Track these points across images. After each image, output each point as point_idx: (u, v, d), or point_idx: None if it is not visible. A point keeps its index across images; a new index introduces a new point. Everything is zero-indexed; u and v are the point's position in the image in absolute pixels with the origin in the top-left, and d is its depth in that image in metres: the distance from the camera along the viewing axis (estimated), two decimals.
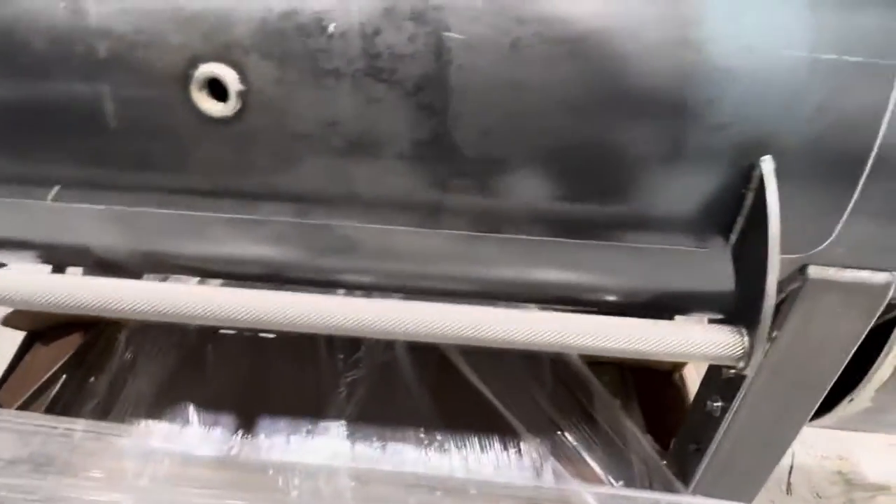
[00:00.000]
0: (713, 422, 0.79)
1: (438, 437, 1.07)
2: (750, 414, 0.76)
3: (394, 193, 0.58)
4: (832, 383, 0.71)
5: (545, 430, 1.05)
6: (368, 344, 1.14)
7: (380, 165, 0.56)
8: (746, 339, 0.54)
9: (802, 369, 0.70)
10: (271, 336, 1.18)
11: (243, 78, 0.53)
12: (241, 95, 0.54)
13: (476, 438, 1.06)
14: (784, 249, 0.60)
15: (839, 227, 0.57)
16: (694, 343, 0.55)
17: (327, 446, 1.06)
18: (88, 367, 1.14)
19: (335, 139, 0.55)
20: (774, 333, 0.68)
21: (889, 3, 0.50)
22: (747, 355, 0.54)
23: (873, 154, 0.53)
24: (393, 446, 1.06)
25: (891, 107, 0.51)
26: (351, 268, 0.64)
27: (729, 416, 0.77)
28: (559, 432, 1.04)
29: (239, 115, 0.54)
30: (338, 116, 0.54)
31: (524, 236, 0.59)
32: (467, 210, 0.58)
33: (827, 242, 0.59)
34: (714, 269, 0.61)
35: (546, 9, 0.51)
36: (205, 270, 0.70)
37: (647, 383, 1.15)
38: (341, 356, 1.13)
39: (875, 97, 0.51)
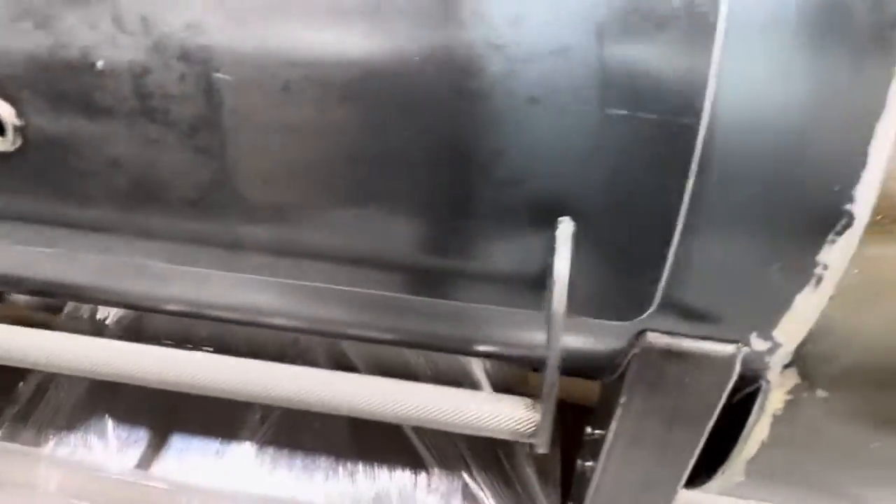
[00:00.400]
0: (585, 481, 0.75)
1: (349, 465, 1.04)
2: (616, 477, 0.70)
3: (188, 236, 0.56)
4: (697, 451, 0.66)
5: (455, 468, 1.01)
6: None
7: (169, 208, 0.54)
8: (538, 414, 0.50)
9: (661, 437, 0.64)
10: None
11: (20, 113, 0.51)
12: (20, 130, 0.52)
13: (385, 468, 1.03)
14: (612, 314, 0.55)
15: (660, 292, 0.52)
16: (482, 416, 0.50)
17: (238, 468, 1.04)
18: (15, 372, 1.15)
19: (120, 179, 0.53)
20: (623, 399, 0.63)
21: (680, 61, 0.44)
22: (538, 432, 0.50)
23: (681, 214, 0.48)
24: (303, 472, 1.04)
25: (693, 167, 0.46)
26: (155, 301, 0.62)
27: (596, 477, 0.72)
28: (468, 472, 1.00)
29: (21, 150, 0.53)
30: (119, 156, 0.52)
31: (322, 284, 0.56)
32: (264, 254, 0.55)
33: (653, 308, 0.53)
34: (530, 332, 0.57)
35: (316, 51, 0.47)
36: (39, 292, 0.69)
37: (580, 423, 1.09)
38: None
39: (675, 156, 0.46)
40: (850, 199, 0.46)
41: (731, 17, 0.44)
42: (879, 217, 0.55)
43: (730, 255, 0.50)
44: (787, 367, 0.59)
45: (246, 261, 0.57)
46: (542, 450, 0.52)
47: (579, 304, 0.55)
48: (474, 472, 1.02)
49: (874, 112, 0.44)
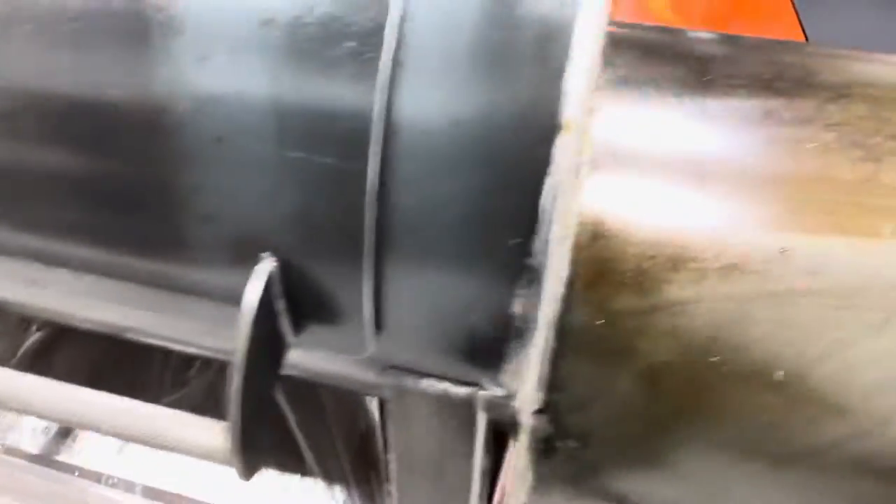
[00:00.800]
0: None
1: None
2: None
3: None
4: (475, 488, 0.65)
5: (337, 482, 1.02)
6: (200, 365, 1.15)
7: None
8: (227, 436, 0.51)
9: (435, 474, 0.64)
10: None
11: None
12: None
13: (273, 473, 1.05)
14: (341, 349, 0.56)
15: (371, 330, 0.52)
16: (174, 434, 0.52)
17: (139, 461, 1.09)
18: None
19: None
20: (391, 430, 0.63)
21: (345, 105, 0.44)
22: (232, 454, 0.51)
23: (367, 257, 0.48)
24: (197, 468, 1.08)
25: (368, 213, 0.46)
26: None
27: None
28: (346, 487, 1.01)
29: None
30: None
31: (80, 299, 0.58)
32: (30, 263, 0.58)
33: (374, 347, 0.53)
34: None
35: (29, 82, 0.49)
36: None
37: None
38: (170, 374, 1.16)
39: (349, 200, 0.46)
40: (530, 254, 0.45)
41: (398, 62, 0.44)
42: (627, 272, 0.54)
43: (431, 300, 0.49)
44: (537, 413, 0.58)
45: (22, 272, 0.60)
46: (242, 478, 0.53)
47: (315, 338, 0.56)
48: (351, 487, 1.03)
49: (541, 167, 0.43)
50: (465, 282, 0.47)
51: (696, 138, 0.56)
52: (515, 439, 0.61)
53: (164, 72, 0.47)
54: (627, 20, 1.95)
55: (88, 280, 0.57)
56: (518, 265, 0.46)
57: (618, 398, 0.56)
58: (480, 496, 0.65)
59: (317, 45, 0.44)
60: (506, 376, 0.53)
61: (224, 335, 0.56)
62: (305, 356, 0.59)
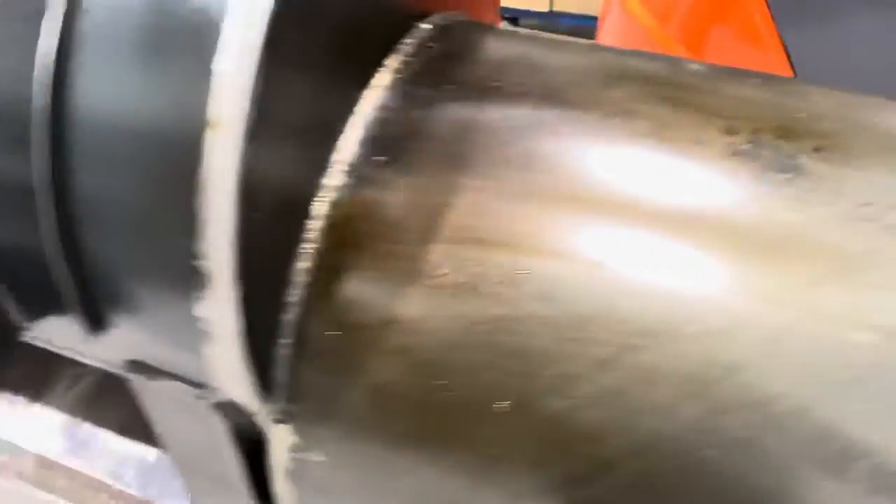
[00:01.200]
0: None
1: (132, 447, 1.08)
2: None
3: None
4: (246, 489, 0.63)
5: None
6: None
7: None
8: None
9: (209, 467, 0.63)
10: None
11: None
12: None
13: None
14: (76, 343, 0.55)
15: (83, 326, 0.50)
16: None
17: (32, 428, 1.10)
18: None
19: None
20: (154, 422, 0.62)
21: (21, 91, 0.43)
22: None
23: (54, 247, 0.46)
24: (89, 443, 1.09)
25: (44, 209, 0.44)
26: None
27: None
28: None
29: None
30: None
31: None
32: None
33: (98, 342, 0.52)
34: None
35: None
36: None
37: None
38: None
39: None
40: (196, 256, 0.43)
41: (65, 47, 0.42)
42: (361, 284, 0.51)
43: (127, 299, 0.47)
44: (279, 422, 0.55)
45: None
46: None
47: (48, 328, 0.55)
48: None
49: (193, 162, 0.41)
50: (147, 281, 0.46)
51: (454, 147, 0.52)
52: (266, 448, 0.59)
53: None
54: (614, 27, 1.88)
55: None
56: (189, 266, 0.44)
57: (351, 415, 0.54)
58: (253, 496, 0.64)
59: None
60: (221, 381, 0.51)
61: None
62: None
